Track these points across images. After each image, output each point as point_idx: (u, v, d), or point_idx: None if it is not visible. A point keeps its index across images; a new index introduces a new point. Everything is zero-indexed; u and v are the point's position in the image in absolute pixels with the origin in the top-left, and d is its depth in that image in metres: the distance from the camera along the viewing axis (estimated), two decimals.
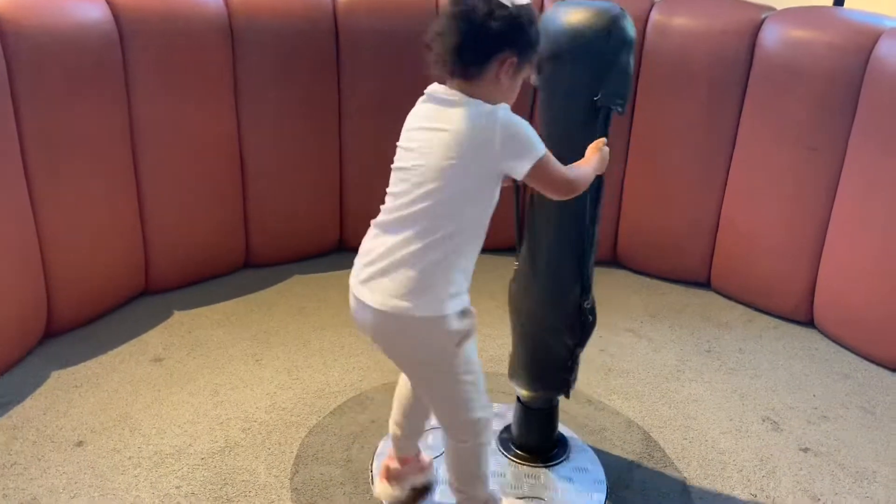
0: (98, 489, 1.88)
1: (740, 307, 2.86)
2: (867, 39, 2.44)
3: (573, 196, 1.53)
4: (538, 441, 2.00)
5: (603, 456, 2.03)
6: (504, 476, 1.93)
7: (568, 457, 2.00)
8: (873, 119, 2.41)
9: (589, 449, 2.05)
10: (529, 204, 1.79)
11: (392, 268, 1.45)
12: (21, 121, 2.21)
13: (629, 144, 2.89)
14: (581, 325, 1.81)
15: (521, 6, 1.41)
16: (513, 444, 2.02)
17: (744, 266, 2.83)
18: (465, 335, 1.49)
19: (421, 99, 1.51)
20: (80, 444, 2.04)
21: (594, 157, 1.59)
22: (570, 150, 1.59)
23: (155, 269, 2.75)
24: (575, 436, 2.10)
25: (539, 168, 1.42)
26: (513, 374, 1.94)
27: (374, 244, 1.50)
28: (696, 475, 2.01)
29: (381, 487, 1.83)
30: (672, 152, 2.86)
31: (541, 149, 1.42)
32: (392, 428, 1.79)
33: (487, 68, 1.41)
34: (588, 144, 1.62)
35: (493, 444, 2.00)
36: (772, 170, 2.67)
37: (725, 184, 2.82)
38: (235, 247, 2.94)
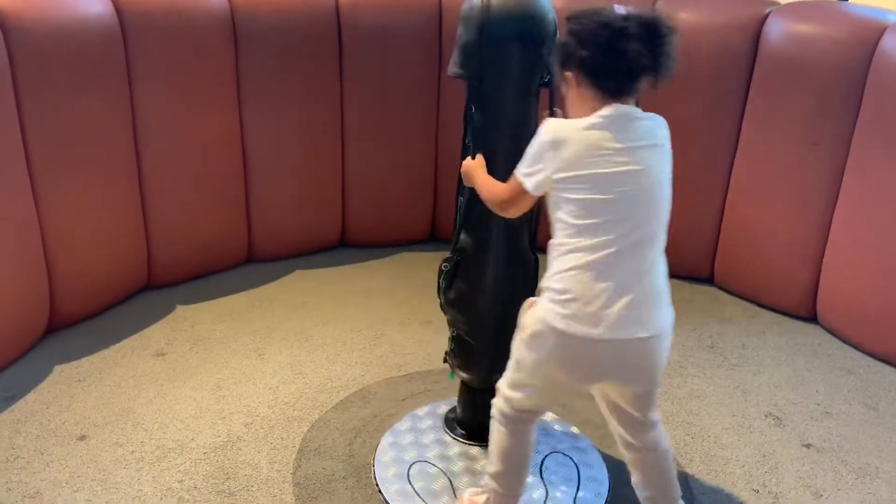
0: (101, 483, 1.88)
1: (743, 303, 2.86)
2: (872, 34, 2.43)
3: None
4: (488, 419, 2.01)
5: (605, 452, 2.03)
6: (476, 459, 1.92)
7: None
8: (877, 114, 2.40)
9: (592, 446, 2.05)
10: (468, 196, 1.79)
11: (651, 290, 1.43)
12: (24, 116, 2.21)
13: None
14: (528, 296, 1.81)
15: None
16: (459, 425, 2.04)
17: (747, 261, 2.82)
18: None
19: (599, 123, 1.40)
20: (82, 437, 2.04)
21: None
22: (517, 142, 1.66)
23: (157, 264, 2.75)
24: (578, 432, 2.09)
25: None
26: (461, 363, 1.94)
27: (611, 280, 1.39)
28: (698, 471, 2.01)
29: None
30: (675, 147, 2.84)
31: None
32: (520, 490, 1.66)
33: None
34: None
35: (443, 427, 2.05)
36: (775, 165, 2.66)
37: (729, 179, 2.81)
38: (238, 242, 2.95)
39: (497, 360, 1.93)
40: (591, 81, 1.41)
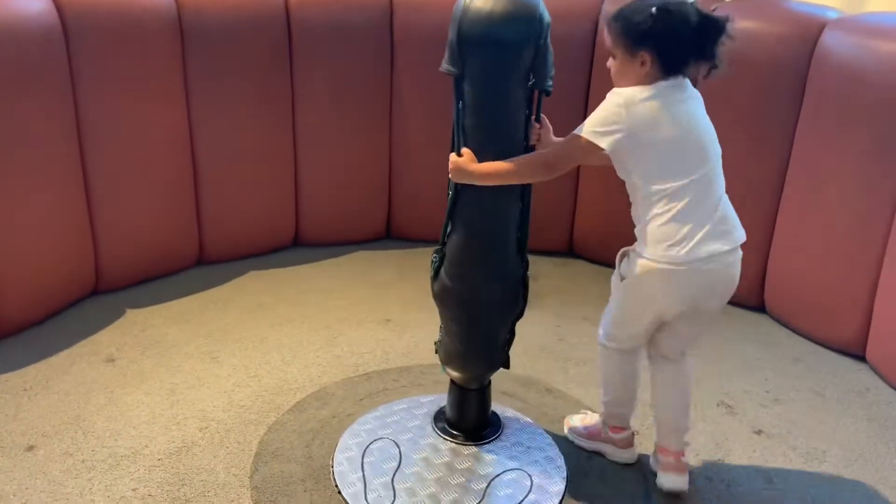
0: (50, 494, 1.83)
1: None
2: (812, 30, 2.50)
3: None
4: (479, 419, 2.04)
5: (562, 444, 2.05)
6: (453, 457, 1.96)
7: (502, 432, 2.05)
8: (818, 108, 2.47)
9: (548, 437, 2.07)
10: (455, 189, 1.80)
11: (722, 216, 1.73)
12: None
13: None
14: (523, 296, 1.90)
15: None
16: (451, 426, 2.05)
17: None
18: None
19: (663, 89, 1.66)
20: (30, 448, 1.98)
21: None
22: (507, 140, 1.73)
23: (106, 268, 2.69)
24: (535, 424, 2.11)
25: None
26: (449, 362, 1.97)
27: (692, 221, 1.68)
28: (653, 461, 2.04)
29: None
30: None
31: None
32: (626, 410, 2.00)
33: None
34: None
35: (433, 428, 2.07)
36: (721, 159, 2.71)
37: None
38: (189, 243, 2.89)
39: (481, 362, 1.95)
40: (662, 63, 1.64)
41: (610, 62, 1.72)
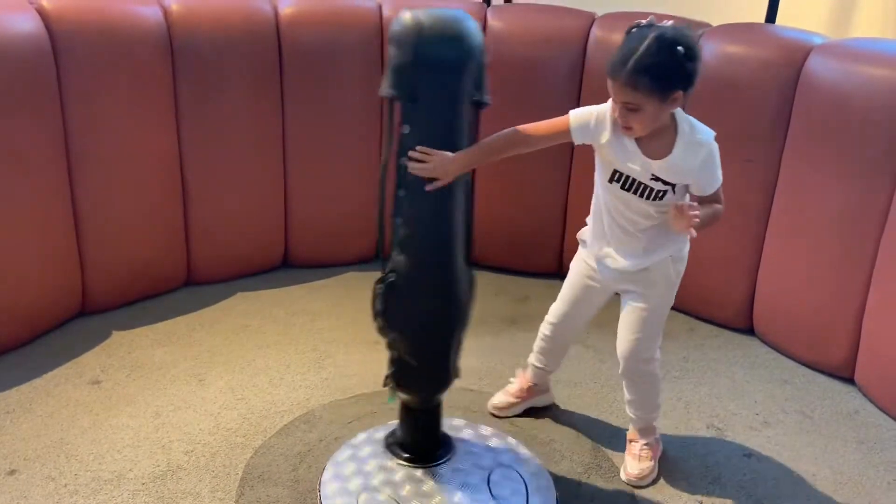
0: None
1: (682, 316, 2.91)
2: (798, 55, 2.53)
3: None
4: (432, 440, 2.01)
5: (552, 468, 2.04)
6: (422, 482, 1.92)
7: (452, 454, 2.01)
8: (804, 131, 2.50)
9: (537, 462, 2.05)
10: (397, 206, 1.79)
11: None
12: None
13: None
14: (467, 312, 1.89)
15: None
16: (403, 448, 2.00)
17: (684, 277, 2.87)
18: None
19: None
20: (12, 472, 1.95)
21: None
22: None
23: (92, 289, 2.66)
24: (524, 448, 2.10)
25: None
26: (403, 384, 1.92)
27: None
28: (643, 484, 2.03)
29: (504, 399, 2.26)
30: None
31: None
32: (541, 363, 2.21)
33: None
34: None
35: (385, 452, 2.03)
36: None
37: None
38: (176, 264, 2.88)
39: (439, 377, 1.93)
40: (689, 91, 1.72)
41: (630, 116, 1.71)
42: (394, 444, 2.03)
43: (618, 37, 2.81)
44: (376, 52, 2.94)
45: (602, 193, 1.91)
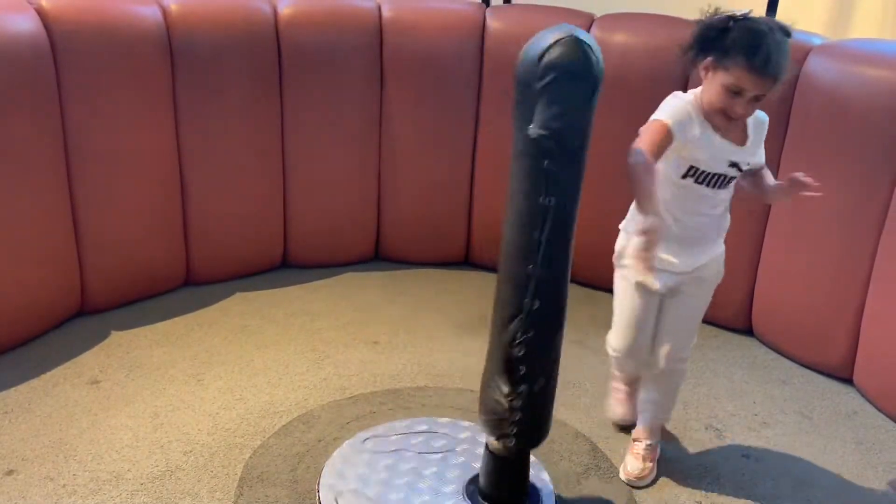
0: None
1: None
2: (797, 55, 2.52)
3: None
4: (521, 488, 1.86)
5: (551, 468, 2.04)
6: None
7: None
8: (803, 132, 2.50)
9: (537, 462, 2.05)
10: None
11: None
12: None
13: None
14: (513, 369, 1.63)
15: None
16: (481, 495, 1.87)
17: None
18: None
19: None
20: (10, 472, 1.95)
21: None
22: None
23: (91, 289, 2.66)
24: None
25: None
26: (521, 435, 1.75)
27: None
28: (642, 485, 2.03)
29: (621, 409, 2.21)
30: (604, 158, 2.90)
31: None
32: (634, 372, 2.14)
33: None
34: None
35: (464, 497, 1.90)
36: None
37: None
38: (175, 264, 2.87)
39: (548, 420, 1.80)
40: None
41: (755, 105, 1.76)
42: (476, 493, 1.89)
43: (618, 37, 2.85)
44: (376, 52, 2.93)
45: (668, 195, 1.81)
